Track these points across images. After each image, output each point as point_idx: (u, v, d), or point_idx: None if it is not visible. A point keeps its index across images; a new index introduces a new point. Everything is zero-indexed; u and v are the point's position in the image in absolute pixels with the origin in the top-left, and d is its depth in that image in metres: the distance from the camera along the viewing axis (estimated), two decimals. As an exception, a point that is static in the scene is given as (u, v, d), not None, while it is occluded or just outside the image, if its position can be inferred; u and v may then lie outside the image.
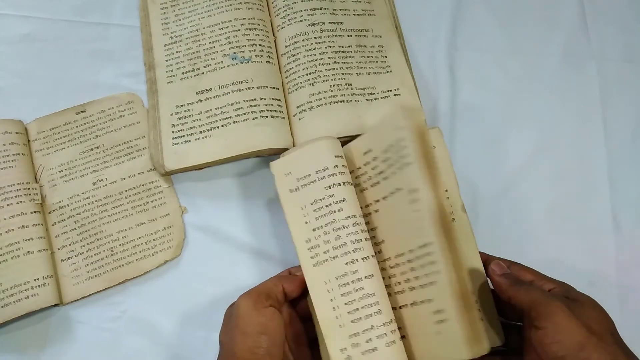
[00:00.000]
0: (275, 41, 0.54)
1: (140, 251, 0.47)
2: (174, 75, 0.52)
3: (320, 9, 0.54)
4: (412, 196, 0.38)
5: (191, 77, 0.52)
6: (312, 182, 0.41)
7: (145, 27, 0.55)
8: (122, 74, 0.54)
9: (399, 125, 0.39)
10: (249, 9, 0.54)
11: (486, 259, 0.42)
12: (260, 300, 0.38)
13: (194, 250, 0.48)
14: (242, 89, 0.50)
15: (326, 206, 0.40)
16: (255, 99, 0.50)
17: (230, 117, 0.49)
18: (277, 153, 0.50)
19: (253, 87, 0.50)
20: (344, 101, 0.50)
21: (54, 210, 0.48)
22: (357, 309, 0.38)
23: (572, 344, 0.33)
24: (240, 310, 0.37)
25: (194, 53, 0.52)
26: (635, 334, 0.45)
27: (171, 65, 0.52)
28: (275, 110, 0.50)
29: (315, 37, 0.52)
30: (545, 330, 0.34)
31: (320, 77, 0.51)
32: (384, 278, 0.40)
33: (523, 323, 0.38)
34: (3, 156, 0.48)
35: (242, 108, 0.49)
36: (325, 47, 0.52)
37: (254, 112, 0.49)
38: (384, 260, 0.40)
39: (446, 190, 0.43)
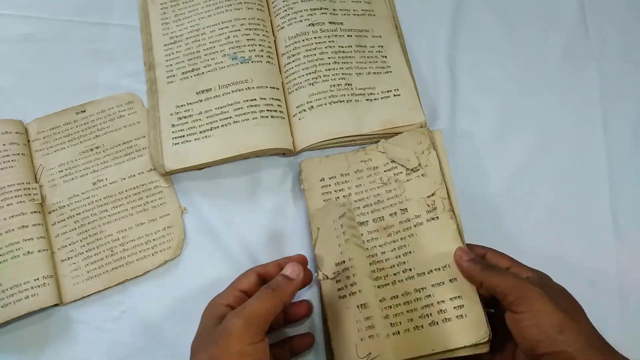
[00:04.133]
0: (275, 41, 0.54)
1: (140, 251, 0.47)
2: (174, 75, 0.52)
3: (320, 9, 0.54)
4: None
5: (191, 77, 0.52)
6: None
7: (145, 27, 0.55)
8: (122, 74, 0.54)
9: None
10: (249, 9, 0.54)
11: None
12: (256, 331, 0.34)
13: (194, 250, 0.48)
14: (242, 89, 0.50)
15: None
16: (255, 99, 0.50)
17: (230, 117, 0.49)
18: (276, 153, 0.50)
19: (253, 87, 0.50)
20: (344, 101, 0.50)
21: (54, 210, 0.48)
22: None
23: (551, 326, 0.34)
24: (231, 341, 0.33)
25: (194, 53, 0.52)
26: (635, 334, 0.45)
27: (171, 65, 0.52)
28: (275, 110, 0.50)
29: (315, 37, 0.52)
30: (522, 314, 0.34)
31: (320, 77, 0.51)
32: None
33: (497, 309, 0.38)
34: (3, 156, 0.48)
35: (242, 108, 0.49)
36: (325, 47, 0.52)
37: (254, 112, 0.49)
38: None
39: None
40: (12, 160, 0.48)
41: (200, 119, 0.49)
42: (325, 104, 0.50)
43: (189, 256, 0.48)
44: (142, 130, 0.51)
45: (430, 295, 0.41)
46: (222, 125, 0.49)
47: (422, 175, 0.46)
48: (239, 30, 0.53)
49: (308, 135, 0.49)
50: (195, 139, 0.49)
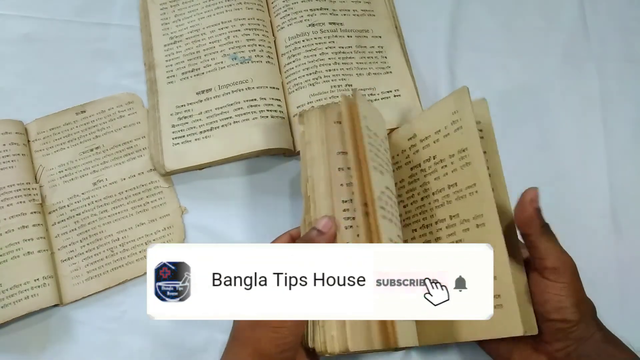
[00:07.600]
0: (275, 41, 0.54)
1: (140, 251, 0.47)
2: (174, 76, 0.52)
3: (320, 10, 0.54)
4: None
5: (191, 77, 0.52)
6: None
7: (145, 27, 0.55)
8: (122, 74, 0.54)
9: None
10: (249, 9, 0.54)
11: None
12: None
13: (194, 251, 0.48)
14: (242, 89, 0.50)
15: None
16: (255, 99, 0.50)
17: (231, 117, 0.49)
18: (277, 153, 0.50)
19: (253, 87, 0.50)
20: (344, 101, 0.50)
21: (54, 211, 0.48)
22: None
23: (575, 300, 0.36)
24: None
25: (194, 53, 0.52)
26: (635, 334, 0.45)
27: (171, 65, 0.52)
28: (275, 111, 0.50)
29: (315, 38, 0.52)
30: (556, 283, 0.36)
31: (320, 77, 0.51)
32: None
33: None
34: (3, 156, 0.48)
35: (242, 108, 0.49)
36: (326, 48, 0.52)
37: (254, 112, 0.49)
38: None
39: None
40: (12, 161, 0.48)
41: (200, 119, 0.49)
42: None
43: (189, 256, 0.48)
44: (142, 130, 0.51)
45: None
46: (222, 126, 0.49)
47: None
48: (239, 30, 0.53)
49: (308, 135, 0.49)
50: (196, 139, 0.49)
